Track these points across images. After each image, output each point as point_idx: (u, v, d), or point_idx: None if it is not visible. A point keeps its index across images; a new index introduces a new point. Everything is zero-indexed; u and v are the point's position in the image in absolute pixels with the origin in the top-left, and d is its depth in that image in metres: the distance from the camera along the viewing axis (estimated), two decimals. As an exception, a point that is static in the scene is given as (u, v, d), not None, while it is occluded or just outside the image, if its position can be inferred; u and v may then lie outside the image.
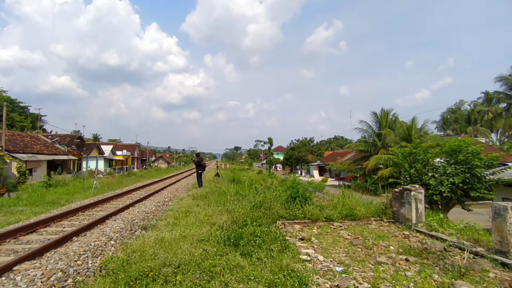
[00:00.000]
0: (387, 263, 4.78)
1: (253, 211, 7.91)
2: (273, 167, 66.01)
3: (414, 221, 7.08)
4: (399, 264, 4.79)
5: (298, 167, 60.80)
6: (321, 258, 4.95)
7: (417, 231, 6.80)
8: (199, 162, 16.58)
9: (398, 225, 7.51)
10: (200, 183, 16.20)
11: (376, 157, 29.01)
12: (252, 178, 19.55)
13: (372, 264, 4.77)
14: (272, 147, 57.20)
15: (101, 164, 43.34)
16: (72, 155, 33.78)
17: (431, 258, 5.01)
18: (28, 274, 3.91)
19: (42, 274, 3.92)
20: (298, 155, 59.63)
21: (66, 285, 3.77)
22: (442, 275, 4.36)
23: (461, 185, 9.90)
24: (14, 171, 22.36)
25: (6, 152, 22.11)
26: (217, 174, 21.98)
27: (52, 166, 29.47)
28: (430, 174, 10.82)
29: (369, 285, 3.93)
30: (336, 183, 37.27)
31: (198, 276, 3.78)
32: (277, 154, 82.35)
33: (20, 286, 3.59)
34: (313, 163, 55.20)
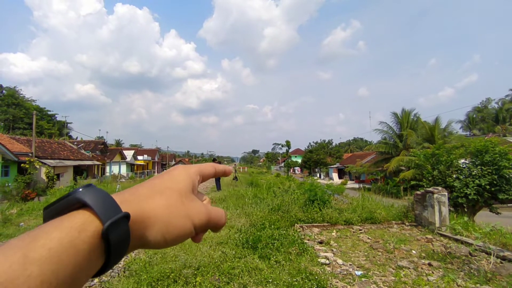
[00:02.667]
0: (409, 268, 4.67)
1: (271, 214, 7.94)
2: (291, 170, 65.70)
3: (437, 225, 6.87)
4: (422, 268, 4.68)
5: (316, 170, 60.18)
6: (340, 261, 4.91)
7: (441, 234, 6.59)
8: (217, 165, 16.78)
9: (420, 228, 7.30)
10: (218, 186, 16.40)
11: (398, 159, 28.30)
12: (270, 181, 19.57)
13: (393, 268, 4.68)
14: (290, 150, 57.14)
15: (124, 169, 44.80)
16: (96, 160, 35.11)
17: (456, 263, 4.86)
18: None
19: (71, 274, 4.14)
20: (317, 157, 59.03)
21: (92, 285, 3.96)
22: (467, 280, 4.22)
23: (488, 187, 9.47)
24: (43, 176, 23.53)
25: (36, 158, 23.33)
26: (235, 178, 22.15)
27: (78, 171, 30.77)
28: (454, 176, 10.43)
29: (390, 290, 3.87)
30: (356, 185, 36.59)
31: (217, 278, 3.86)
32: (295, 157, 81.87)
33: None
34: (332, 166, 54.47)
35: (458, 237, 6.19)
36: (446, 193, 7.06)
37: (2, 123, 49.65)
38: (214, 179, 17.15)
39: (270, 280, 3.79)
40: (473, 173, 9.93)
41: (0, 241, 7.07)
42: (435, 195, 6.95)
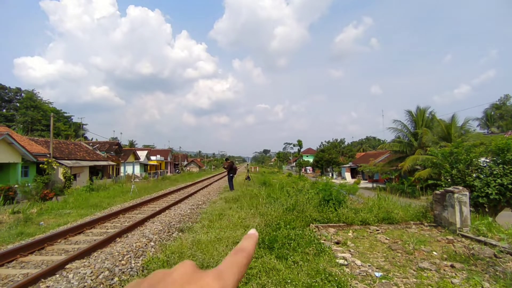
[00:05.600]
0: (431, 269, 4.54)
1: (285, 214, 7.88)
2: (303, 170, 65.24)
3: (458, 225, 6.66)
4: (444, 270, 4.53)
5: (329, 169, 59.57)
6: (358, 262, 4.82)
7: (462, 235, 6.38)
8: (230, 165, 16.82)
9: (440, 229, 7.10)
10: (231, 186, 16.43)
11: (413, 157, 27.68)
12: (283, 181, 19.48)
13: (414, 270, 4.56)
14: (302, 150, 56.72)
15: (137, 169, 45.53)
16: (111, 160, 35.78)
17: (480, 265, 4.69)
18: (79, 272, 4.23)
19: (91, 272, 4.22)
20: (329, 157, 58.40)
21: (112, 283, 4.01)
22: (493, 283, 4.06)
23: (510, 186, 9.15)
24: (61, 177, 24.14)
25: (53, 159, 23.95)
26: (248, 177, 22.14)
27: (94, 171, 31.44)
28: (474, 175, 10.11)
29: (412, 292, 3.76)
30: (370, 185, 36.06)
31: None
32: (307, 156, 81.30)
33: (73, 283, 3.89)
34: (344, 165, 53.80)
35: (481, 238, 5.99)
36: (467, 193, 6.83)
37: (22, 125, 51.30)
38: (227, 178, 17.17)
39: (289, 281, 3.75)
40: (495, 172, 9.60)
41: (22, 239, 7.27)
42: (456, 195, 6.73)
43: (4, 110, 56.80)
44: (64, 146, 30.25)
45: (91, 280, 3.98)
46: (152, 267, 4.34)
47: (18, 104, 56.77)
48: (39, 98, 58.67)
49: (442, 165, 11.09)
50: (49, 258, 5.34)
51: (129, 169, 43.37)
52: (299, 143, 49.56)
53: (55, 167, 23.53)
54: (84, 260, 4.94)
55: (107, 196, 15.84)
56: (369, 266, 4.71)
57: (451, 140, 24.87)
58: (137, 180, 34.10)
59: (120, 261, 4.75)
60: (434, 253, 5.39)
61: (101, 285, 3.89)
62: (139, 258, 5.03)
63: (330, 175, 53.62)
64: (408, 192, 26.01)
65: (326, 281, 3.73)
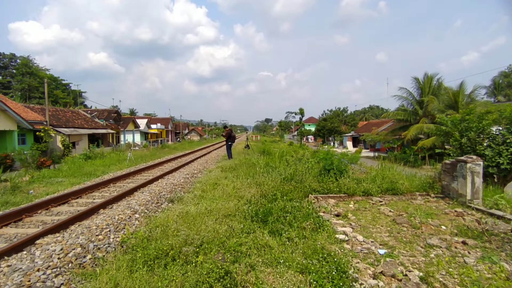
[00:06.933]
0: (441, 246, 4.09)
1: (283, 184, 7.43)
2: (305, 139, 64.77)
3: (468, 197, 6.18)
4: (456, 247, 4.09)
5: (330, 138, 59.04)
6: (360, 238, 4.38)
7: (473, 208, 5.92)
8: (229, 133, 16.27)
9: (448, 201, 6.64)
10: (230, 155, 16.01)
11: (417, 126, 26.91)
12: (283, 150, 19.00)
13: (421, 247, 4.12)
14: (304, 118, 55.86)
15: (138, 137, 45.21)
16: (110, 129, 35.31)
17: (494, 242, 4.24)
18: (48, 249, 3.82)
19: (61, 249, 3.80)
20: (331, 126, 57.57)
21: (84, 262, 3.61)
22: (510, 262, 3.62)
23: (524, 156, 8.59)
24: (59, 144, 23.82)
25: (50, 126, 23.45)
26: (247, 146, 21.73)
27: (93, 139, 31.11)
28: (485, 143, 9.51)
29: (421, 273, 3.33)
30: (371, 154, 35.74)
31: (220, 257, 3.40)
32: (309, 125, 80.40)
33: (37, 262, 3.48)
34: (346, 134, 53.17)
35: (493, 211, 5.53)
36: (481, 163, 6.26)
37: (19, 93, 50.34)
38: (225, 147, 16.71)
39: (282, 261, 3.31)
40: (508, 141, 9.00)
41: (7, 209, 6.91)
42: (469, 165, 6.18)
43: (0, 77, 55.51)
44: (61, 113, 29.65)
45: (58, 259, 3.58)
46: (132, 243, 3.92)
47: (14, 71, 55.35)
48: (35, 64, 57.02)
49: (451, 133, 10.45)
50: (23, 231, 4.95)
51: (129, 138, 43.06)
52: (301, 112, 48.54)
53: (53, 134, 23.12)
54: (58, 235, 4.52)
55: (102, 164, 15.49)
56: (372, 242, 4.28)
57: (458, 108, 23.94)
58: (137, 148, 33.89)
59: (97, 235, 4.33)
60: (443, 227, 4.95)
61: (69, 264, 3.49)
62: (119, 232, 4.62)
63: (332, 144, 53.21)
64: (411, 161, 25.64)
65: (324, 262, 3.28)
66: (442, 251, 3.99)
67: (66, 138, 24.11)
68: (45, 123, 23.24)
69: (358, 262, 3.61)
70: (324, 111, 74.31)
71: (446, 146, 23.40)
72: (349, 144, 48.98)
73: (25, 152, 18.96)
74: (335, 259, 3.34)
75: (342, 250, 3.80)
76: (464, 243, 4.24)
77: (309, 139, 70.76)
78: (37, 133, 21.52)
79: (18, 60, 56.18)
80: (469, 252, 3.94)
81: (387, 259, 3.73)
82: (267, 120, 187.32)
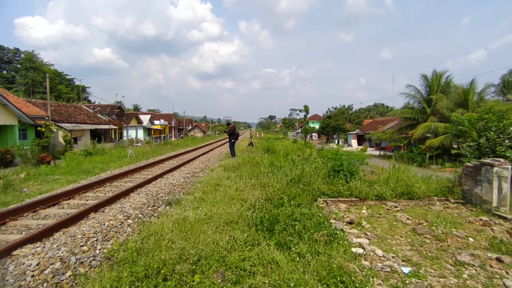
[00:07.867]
0: (473, 265, 3.56)
1: (290, 187, 6.90)
2: (309, 136, 64.07)
3: (494, 204, 5.63)
4: (491, 266, 3.56)
5: (335, 136, 58.32)
6: (379, 252, 3.86)
7: (500, 216, 5.37)
8: (232, 130, 15.76)
9: (470, 207, 6.09)
10: (233, 152, 15.51)
11: (425, 125, 26.16)
12: (288, 148, 18.45)
13: (451, 265, 3.59)
14: (308, 116, 55.06)
15: (141, 133, 44.89)
16: (113, 124, 34.97)
17: (534, 259, 3.70)
18: (23, 263, 3.34)
19: (38, 264, 3.33)
20: (335, 123, 56.82)
21: (61, 281, 3.13)
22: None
23: (548, 158, 7.98)
24: (61, 140, 23.50)
25: (52, 121, 23.12)
26: (251, 144, 21.20)
27: (96, 135, 30.78)
28: (506, 144, 8.90)
29: (457, 301, 2.81)
30: (377, 152, 35.11)
31: (221, 276, 2.90)
32: (313, 122, 79.51)
33: (7, 281, 3.01)
34: (351, 132, 52.43)
35: (524, 220, 4.98)
36: (510, 166, 5.70)
37: (23, 87, 50.23)
38: (228, 144, 16.22)
39: (292, 284, 2.80)
40: (531, 142, 8.39)
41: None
42: (495, 169, 5.61)
43: (4, 72, 55.42)
44: (63, 108, 29.33)
45: (32, 276, 3.11)
46: (120, 257, 3.43)
47: (18, 66, 55.19)
48: (39, 59, 56.81)
49: (468, 133, 9.84)
50: (4, 238, 4.48)
51: (132, 133, 42.77)
52: (306, 109, 47.75)
53: (54, 130, 22.76)
54: (39, 244, 4.03)
55: (102, 161, 15.06)
56: (393, 257, 3.76)
57: (468, 106, 23.20)
58: (139, 144, 33.51)
59: (81, 246, 3.84)
60: (471, 239, 4.41)
61: (44, 285, 3.02)
62: (108, 241, 4.14)
63: (336, 142, 52.51)
64: (418, 160, 24.93)
65: (341, 285, 2.77)
66: (476, 270, 3.46)
67: (68, 134, 23.79)
68: (46, 118, 22.91)
69: (379, 284, 3.10)
70: (328, 109, 73.57)
71: (454, 146, 22.73)
72: (354, 142, 48.29)
73: (25, 147, 18.64)
74: (353, 280, 2.83)
75: (360, 269, 3.29)
76: (499, 260, 3.71)
77: (313, 137, 70.05)
78: (38, 128, 21.20)
79: (22, 55, 56.03)
80: (507, 272, 3.42)
81: (413, 279, 3.22)
82: (271, 117, 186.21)
